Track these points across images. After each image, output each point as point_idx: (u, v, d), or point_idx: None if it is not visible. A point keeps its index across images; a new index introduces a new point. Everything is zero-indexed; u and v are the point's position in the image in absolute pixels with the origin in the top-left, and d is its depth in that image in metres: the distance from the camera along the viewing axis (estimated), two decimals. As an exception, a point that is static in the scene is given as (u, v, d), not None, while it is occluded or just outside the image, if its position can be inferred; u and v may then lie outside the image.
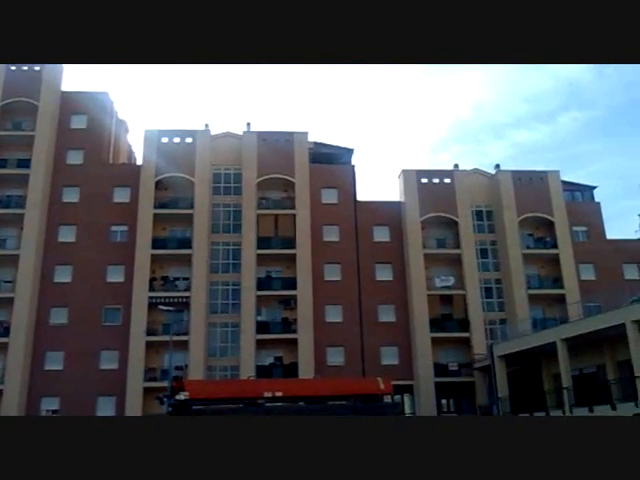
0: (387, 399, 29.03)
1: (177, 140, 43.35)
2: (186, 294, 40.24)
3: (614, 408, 27.06)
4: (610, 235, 46.15)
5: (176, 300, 39.67)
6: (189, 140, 43.42)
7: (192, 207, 41.89)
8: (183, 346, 38.41)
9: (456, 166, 46.03)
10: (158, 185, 42.16)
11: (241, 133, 44.42)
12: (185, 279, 41.05)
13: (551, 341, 31.23)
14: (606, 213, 45.31)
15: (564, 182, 46.56)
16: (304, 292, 40.55)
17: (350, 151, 46.80)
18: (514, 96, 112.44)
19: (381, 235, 43.98)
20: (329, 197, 44.08)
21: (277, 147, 43.61)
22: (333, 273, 42.23)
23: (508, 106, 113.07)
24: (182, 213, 41.90)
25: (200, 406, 10.04)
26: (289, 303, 41.22)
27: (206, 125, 44.41)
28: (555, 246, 44.05)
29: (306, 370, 37.87)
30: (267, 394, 10.33)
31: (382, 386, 10.58)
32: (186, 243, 41.37)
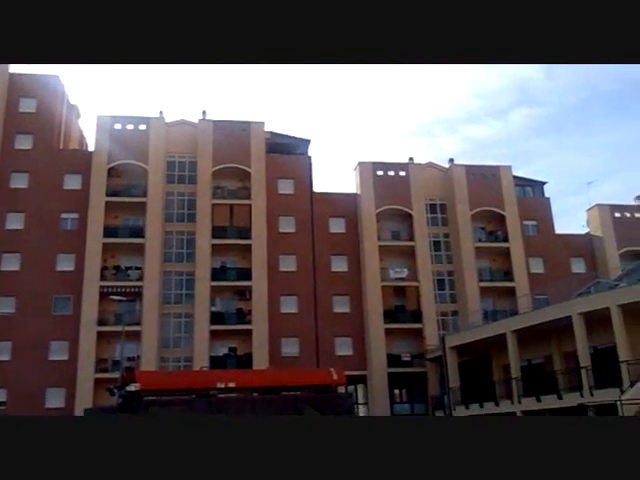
0: (341, 389, 29.25)
1: (130, 127, 42.48)
2: (138, 284, 39.60)
3: (560, 398, 27.90)
4: (558, 230, 47.46)
5: (128, 290, 39.03)
6: (143, 127, 42.59)
7: (145, 195, 41.18)
8: (135, 336, 37.82)
9: (411, 159, 46.45)
10: (110, 172, 41.26)
11: (196, 121, 43.83)
12: (138, 268, 40.38)
13: (501, 332, 31.97)
14: (555, 208, 46.60)
15: (515, 177, 47.55)
16: (259, 283, 40.41)
17: (307, 142, 46.72)
18: (468, 92, 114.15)
19: (337, 226, 44.13)
20: (285, 187, 43.94)
21: (233, 136, 43.20)
22: (288, 264, 42.19)
23: (462, 102, 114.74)
24: (135, 201, 41.13)
25: (151, 397, 9.89)
26: (244, 294, 41.03)
27: (160, 112, 43.66)
28: (506, 240, 45.00)
29: (260, 361, 37.80)
30: (220, 385, 10.27)
31: (335, 377, 10.63)
32: (139, 232, 40.67)
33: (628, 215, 47.92)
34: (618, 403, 22.31)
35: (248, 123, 44.01)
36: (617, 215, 47.64)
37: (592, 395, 25.91)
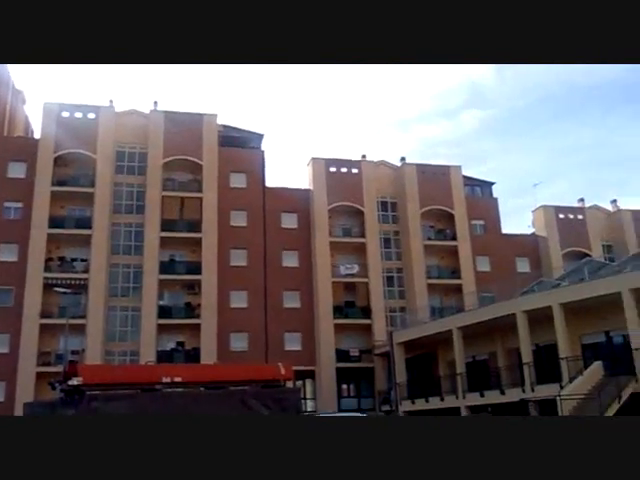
0: (289, 384, 29.33)
1: (79, 115, 41.40)
2: (84, 276, 38.71)
3: (503, 393, 28.64)
4: (505, 230, 48.66)
5: (73, 282, 38.07)
6: (92, 116, 41.55)
7: (93, 185, 40.22)
8: (80, 330, 36.97)
9: (364, 157, 46.80)
10: (57, 161, 40.13)
11: (148, 112, 43.06)
12: (84, 260, 39.46)
13: (447, 329, 32.58)
14: (502, 208, 47.84)
15: (465, 177, 48.47)
16: (209, 277, 40.05)
17: (260, 136, 46.49)
18: (421, 92, 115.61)
19: (289, 222, 44.10)
20: (237, 181, 43.63)
21: (185, 128, 42.60)
22: (239, 258, 41.94)
23: (415, 101, 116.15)
24: (82, 191, 40.12)
25: (94, 391, 9.68)
26: (193, 288, 40.61)
27: (110, 101, 42.71)
28: (454, 238, 45.86)
29: (209, 355, 37.50)
30: (165, 379, 10.15)
31: (283, 371, 10.68)
32: (86, 223, 39.72)
33: (571, 216, 49.46)
34: (557, 398, 23.02)
35: (201, 115, 43.49)
36: (561, 216, 49.11)
37: (533, 391, 26.69)
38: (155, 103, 43.35)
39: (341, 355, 41.37)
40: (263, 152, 45.64)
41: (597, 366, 24.86)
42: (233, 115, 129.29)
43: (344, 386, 42.14)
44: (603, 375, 24.47)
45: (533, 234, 49.42)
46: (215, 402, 10.73)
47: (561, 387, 24.46)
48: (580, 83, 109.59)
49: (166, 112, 42.92)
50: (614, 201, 52.14)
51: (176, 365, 27.40)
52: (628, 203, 54.11)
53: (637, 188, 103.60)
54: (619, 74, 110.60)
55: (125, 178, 41.88)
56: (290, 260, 43.20)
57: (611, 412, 21.87)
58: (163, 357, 37.73)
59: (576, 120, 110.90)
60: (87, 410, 8.91)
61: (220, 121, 44.68)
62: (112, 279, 39.83)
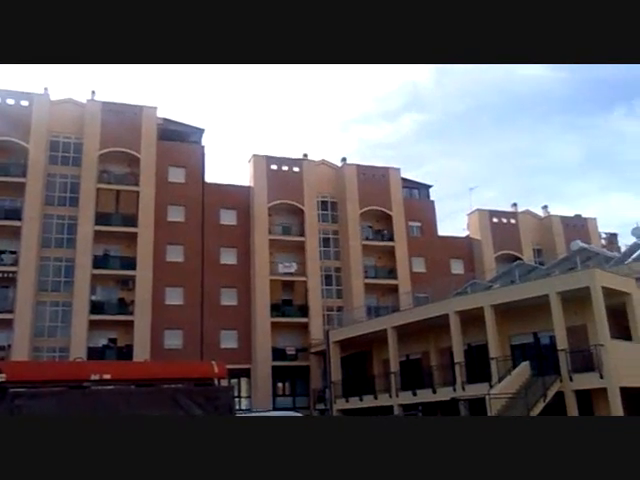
0: (224, 382, 28.98)
1: (11, 102, 39.76)
2: (13, 269, 37.23)
3: (435, 392, 29.27)
4: (441, 232, 49.77)
5: (1, 275, 36.63)
6: (25, 103, 39.98)
7: (25, 175, 38.70)
8: (7, 324, 35.59)
9: (305, 156, 46.89)
10: (-14, 149, 38.50)
11: (84, 101, 41.80)
12: (12, 252, 37.92)
13: (383, 328, 33.03)
14: (438, 211, 48.94)
15: (404, 179, 49.30)
16: (144, 272, 39.23)
17: (201, 131, 45.87)
18: (363, 93, 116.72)
19: (228, 218, 43.71)
20: (176, 176, 42.90)
21: (123, 119, 41.55)
22: (176, 254, 41.27)
23: (357, 102, 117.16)
24: (13, 181, 38.52)
25: (19, 389, 9.32)
26: (127, 283, 39.69)
27: (45, 89, 41.25)
28: (392, 239, 46.56)
29: (142, 353, 36.70)
30: (94, 377, 9.85)
31: (216, 369, 10.53)
32: (16, 214, 38.17)
33: (504, 220, 51.04)
34: (487, 397, 23.68)
35: (140, 107, 42.54)
36: (495, 220, 50.61)
37: (464, 390, 27.40)
38: (93, 93, 42.17)
39: (277, 353, 41.34)
40: (203, 147, 45.10)
41: (525, 366, 25.74)
42: (174, 109, 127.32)
43: (279, 384, 42.14)
44: (530, 375, 25.36)
45: (468, 237, 50.75)
46: (146, 400, 10.47)
47: (490, 386, 25.18)
48: (515, 92, 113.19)
49: (104, 102, 41.77)
50: (545, 207, 54.15)
51: (106, 362, 26.74)
52: (558, 209, 56.17)
53: (567, 195, 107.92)
54: (552, 85, 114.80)
55: (59, 169, 40.52)
56: (228, 257, 42.84)
57: (537, 411, 22.69)
58: (94, 354, 36.68)
59: (511, 127, 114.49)
60: (10, 409, 8.54)
61: (160, 114, 43.85)
62: (42, 273, 38.47)
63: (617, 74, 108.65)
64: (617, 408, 22.43)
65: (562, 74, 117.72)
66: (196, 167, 43.81)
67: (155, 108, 43.16)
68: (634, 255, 31.23)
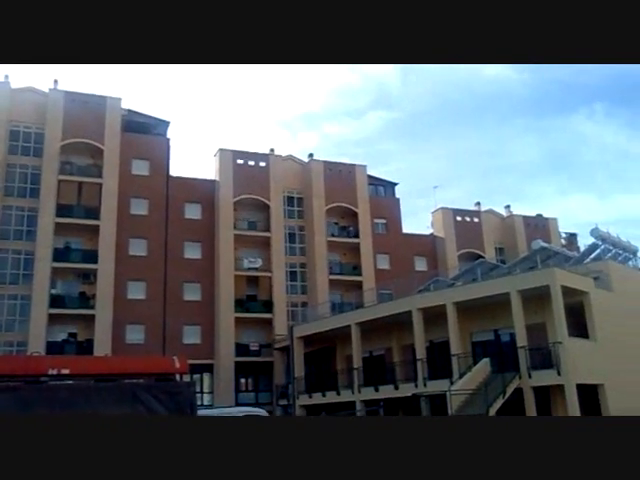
0: (186, 378, 28.74)
1: (-31, 89, 38.74)
2: (-31, 261, 36.33)
3: (397, 388, 29.49)
4: (405, 229, 50.19)
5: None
6: (-17, 91, 38.97)
7: (-18, 165, 37.79)
8: (-39, 318, 34.71)
9: (272, 151, 46.71)
10: (-58, 137, 37.37)
11: (47, 90, 40.86)
12: (-31, 244, 37.01)
13: (346, 324, 33.13)
14: (403, 209, 49.27)
15: (370, 177, 49.52)
16: (106, 266, 38.60)
17: (166, 123, 45.29)
18: (329, 90, 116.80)
19: (193, 212, 43.31)
20: (140, 168, 42.30)
21: (87, 110, 40.73)
22: (139, 248, 40.71)
23: (323, 99, 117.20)
24: (-30, 171, 37.61)
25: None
26: (88, 277, 39.02)
27: (6, 77, 40.21)
28: (357, 236, 46.75)
29: (102, 347, 36.12)
30: (52, 371, 9.66)
31: (178, 365, 10.40)
32: (-28, 205, 37.26)
33: (468, 219, 51.70)
34: (447, 394, 23.96)
35: (104, 98, 41.78)
36: (458, 219, 51.22)
37: (425, 386, 27.68)
38: (55, 82, 41.26)
39: (241, 349, 41.16)
40: (168, 140, 44.55)
41: (485, 363, 26.11)
42: (139, 101, 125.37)
43: (242, 380, 41.96)
44: (490, 371, 25.74)
45: (432, 234, 51.26)
46: (105, 396, 10.33)
47: (451, 383, 25.49)
48: (480, 92, 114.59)
49: (67, 92, 40.90)
50: (508, 206, 55.03)
51: (64, 356, 26.30)
52: (519, 209, 57.09)
53: (528, 195, 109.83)
54: (515, 86, 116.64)
55: (19, 159, 39.58)
56: (192, 252, 42.46)
57: (496, 407, 23.04)
58: (53, 348, 35.96)
59: (475, 127, 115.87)
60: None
61: (125, 105, 43.16)
62: (0, 265, 37.57)
63: (579, 77, 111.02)
64: (573, 404, 22.94)
65: (525, 76, 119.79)
66: (161, 160, 43.26)
67: (120, 99, 42.46)
68: (592, 255, 31.94)
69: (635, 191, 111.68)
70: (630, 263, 33.68)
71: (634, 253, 34.15)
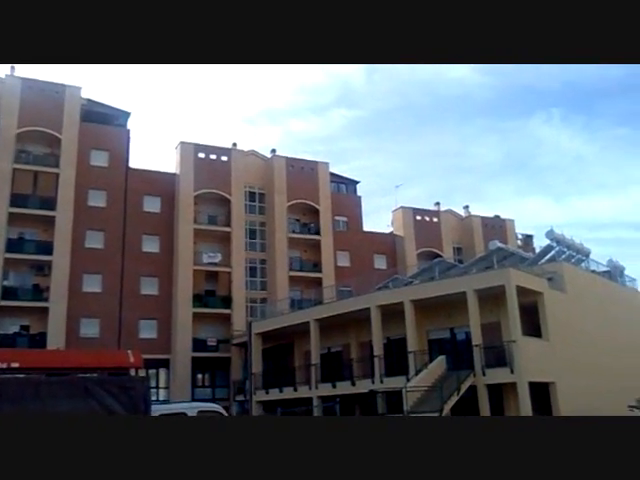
0: (142, 373, 28.43)
1: None
2: None
3: (354, 384, 29.67)
4: (366, 227, 50.52)
5: None
6: None
7: None
8: None
9: (234, 145, 46.38)
10: None
11: (3, 76, 39.73)
12: None
13: (305, 321, 33.18)
14: (364, 207, 49.64)
15: (332, 174, 49.65)
16: (61, 258, 37.78)
17: (126, 114, 44.53)
18: (293, 87, 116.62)
19: (152, 205, 42.69)
20: (98, 159, 41.48)
21: (45, 98, 39.73)
22: (95, 240, 39.95)
23: (287, 95, 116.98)
24: None
25: None
26: (43, 269, 38.12)
27: (-41, 60, 38.89)
28: (318, 233, 46.82)
29: (56, 341, 35.39)
30: (1, 365, 9.44)
31: (132, 359, 10.26)
32: None
33: (427, 219, 52.32)
34: (403, 390, 24.22)
35: (63, 86, 40.80)
36: (418, 218, 51.79)
37: (382, 382, 27.89)
38: (12, 68, 40.08)
39: (198, 344, 40.82)
40: (129, 131, 43.81)
41: (441, 360, 26.49)
42: (99, 91, 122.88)
43: (199, 376, 41.65)
44: (446, 369, 26.12)
45: (391, 233, 51.70)
46: (56, 390, 10.13)
47: (408, 379, 25.75)
48: (442, 93, 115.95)
49: (24, 79, 39.82)
50: (466, 207, 55.80)
51: (14, 350, 25.62)
52: (478, 209, 57.94)
53: (486, 195, 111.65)
54: (477, 88, 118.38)
55: (-29, 146, 38.41)
56: (151, 245, 41.88)
57: (451, 404, 23.40)
58: (4, 342, 35.03)
59: (437, 128, 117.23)
60: None
61: (85, 95, 42.28)
62: (-51, 255, 36.45)
63: (538, 82, 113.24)
64: (525, 402, 23.45)
65: (487, 78, 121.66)
66: (120, 151, 42.52)
67: (79, 88, 41.55)
68: (547, 256, 32.64)
69: (589, 195, 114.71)
70: (583, 265, 34.55)
71: (587, 255, 35.04)
